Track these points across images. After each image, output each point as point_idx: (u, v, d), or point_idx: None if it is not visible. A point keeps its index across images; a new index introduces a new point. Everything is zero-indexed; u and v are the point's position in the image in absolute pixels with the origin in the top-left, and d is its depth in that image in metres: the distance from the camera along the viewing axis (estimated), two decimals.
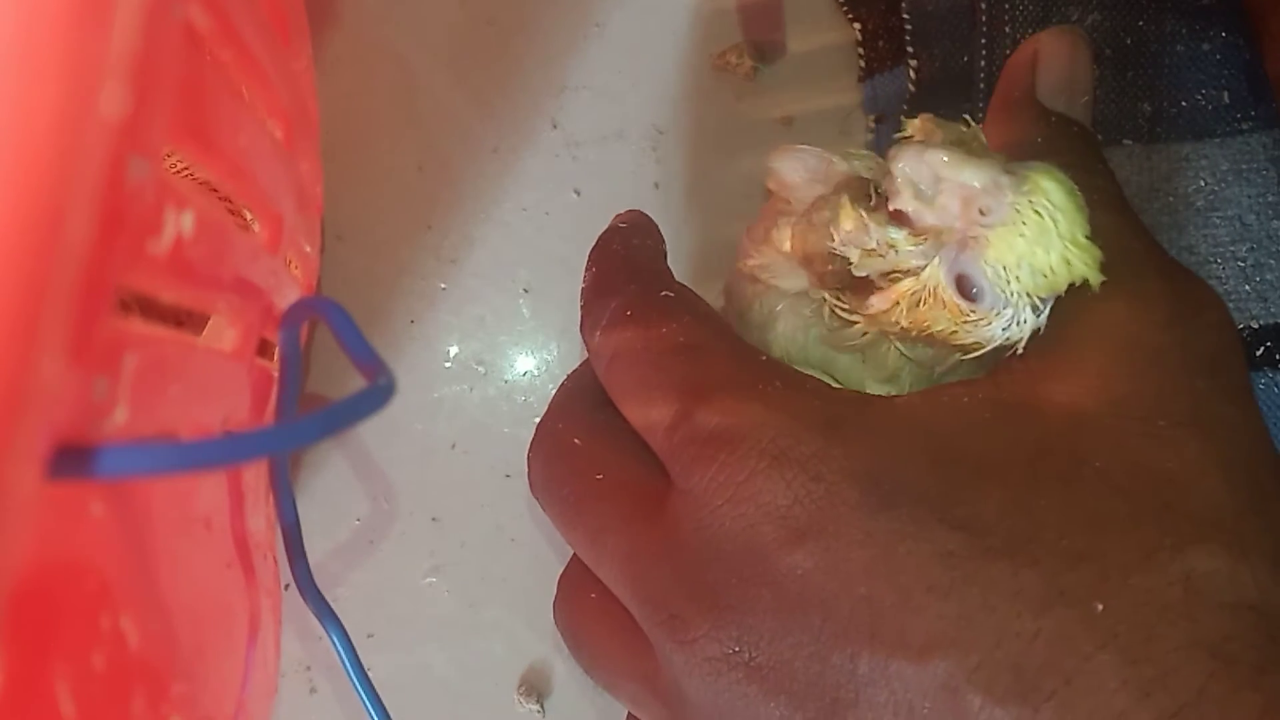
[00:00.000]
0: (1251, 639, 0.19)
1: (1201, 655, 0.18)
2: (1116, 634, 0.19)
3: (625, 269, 0.26)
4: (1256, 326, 0.28)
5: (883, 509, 0.20)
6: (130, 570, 0.16)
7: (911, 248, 0.22)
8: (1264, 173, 0.28)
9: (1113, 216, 0.23)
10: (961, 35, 0.30)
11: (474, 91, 0.32)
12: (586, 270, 0.26)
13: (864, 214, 0.22)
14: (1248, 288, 0.28)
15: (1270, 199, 0.28)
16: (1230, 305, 0.28)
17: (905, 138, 0.22)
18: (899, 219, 0.21)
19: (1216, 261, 0.28)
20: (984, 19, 0.30)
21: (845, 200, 0.22)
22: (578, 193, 0.32)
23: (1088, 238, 0.21)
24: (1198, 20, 0.29)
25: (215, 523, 0.22)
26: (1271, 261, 0.28)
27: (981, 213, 0.20)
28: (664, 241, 0.27)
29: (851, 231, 0.22)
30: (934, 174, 0.21)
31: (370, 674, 0.27)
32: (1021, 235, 0.20)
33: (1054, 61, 0.25)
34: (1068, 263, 0.21)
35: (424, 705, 0.30)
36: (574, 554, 0.26)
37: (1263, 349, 0.28)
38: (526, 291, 0.32)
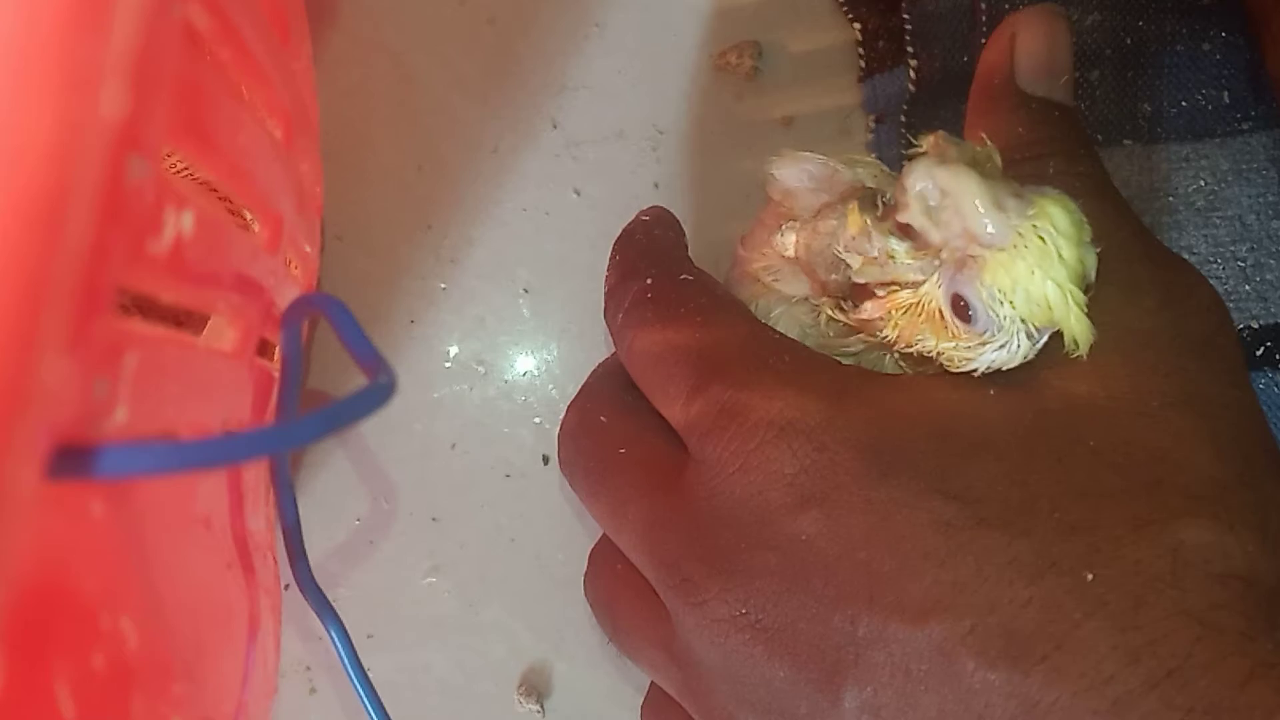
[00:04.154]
0: (1239, 607, 0.19)
1: (1189, 623, 0.19)
2: (1106, 602, 0.19)
3: (647, 256, 0.27)
4: (1256, 326, 0.28)
5: (882, 478, 0.21)
6: (130, 570, 0.16)
7: (911, 261, 0.21)
8: (1264, 173, 0.28)
9: (1099, 203, 0.23)
10: (961, 35, 0.30)
11: (474, 91, 0.32)
12: (610, 259, 0.27)
13: (869, 222, 0.22)
14: (1248, 288, 0.28)
15: (1270, 199, 0.28)
16: (1230, 305, 0.28)
17: (919, 153, 0.22)
18: (904, 231, 0.21)
19: (1216, 261, 0.28)
20: (984, 19, 0.30)
21: (853, 206, 0.22)
22: (578, 193, 0.32)
23: (1085, 287, 0.20)
24: (1198, 20, 0.29)
25: (215, 523, 0.22)
26: (1271, 261, 0.28)
27: (983, 234, 0.20)
28: (685, 234, 0.28)
29: (855, 238, 0.22)
30: (941, 191, 0.20)
31: (370, 674, 0.27)
32: (1021, 260, 0.20)
33: (1032, 44, 0.25)
34: (1065, 295, 0.20)
35: (424, 705, 0.30)
36: (603, 531, 0.26)
37: (1263, 349, 0.28)
38: (526, 291, 0.32)
